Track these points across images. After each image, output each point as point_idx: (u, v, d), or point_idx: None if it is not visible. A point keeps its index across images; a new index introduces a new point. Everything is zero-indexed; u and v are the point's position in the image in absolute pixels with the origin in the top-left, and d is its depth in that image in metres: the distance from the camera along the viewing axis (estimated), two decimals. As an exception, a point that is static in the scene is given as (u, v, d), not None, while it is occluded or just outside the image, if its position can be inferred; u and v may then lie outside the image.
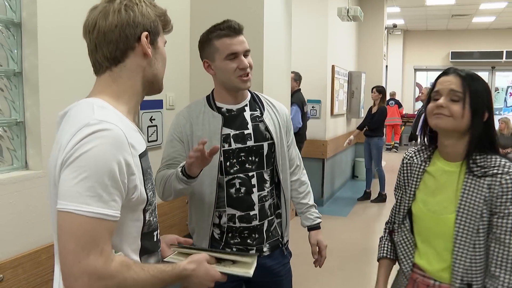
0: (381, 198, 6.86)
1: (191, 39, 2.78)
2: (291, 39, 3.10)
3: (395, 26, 9.25)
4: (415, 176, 1.58)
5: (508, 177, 1.36)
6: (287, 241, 2.06)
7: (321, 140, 6.41)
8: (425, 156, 1.59)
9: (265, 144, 1.88)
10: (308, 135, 6.46)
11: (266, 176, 1.90)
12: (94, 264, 0.96)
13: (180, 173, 1.66)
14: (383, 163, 7.30)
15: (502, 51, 12.88)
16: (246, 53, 1.80)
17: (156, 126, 2.47)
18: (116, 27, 1.10)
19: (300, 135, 5.60)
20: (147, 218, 1.14)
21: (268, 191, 1.91)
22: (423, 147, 1.61)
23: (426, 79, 14.29)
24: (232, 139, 1.84)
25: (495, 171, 1.38)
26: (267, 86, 2.70)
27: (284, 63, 3.03)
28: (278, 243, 1.98)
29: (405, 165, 1.63)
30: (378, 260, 1.73)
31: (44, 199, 1.76)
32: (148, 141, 2.42)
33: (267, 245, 1.92)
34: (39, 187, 1.80)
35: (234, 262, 1.34)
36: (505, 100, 14.41)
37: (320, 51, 6.25)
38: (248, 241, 1.89)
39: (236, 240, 1.89)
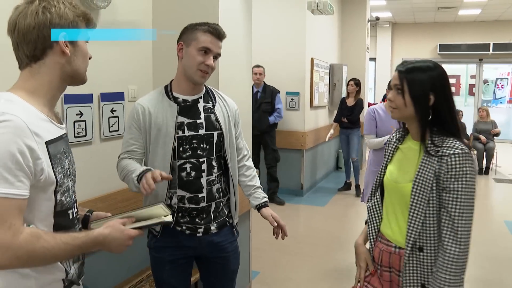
0: (348, 187, 7.13)
1: (153, 41, 2.93)
2: (251, 31, 3.24)
3: (377, 18, 9.38)
4: (390, 152, 1.84)
5: (453, 157, 1.57)
6: (237, 223, 2.25)
7: (300, 132, 6.58)
8: (399, 135, 1.83)
9: (215, 134, 2.08)
10: (287, 127, 6.63)
11: (214, 163, 2.09)
12: (3, 237, 1.09)
13: (136, 181, 1.87)
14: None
15: (489, 44, 12.95)
16: (216, 56, 2.01)
17: (117, 117, 2.64)
18: (34, 29, 1.22)
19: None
20: (58, 198, 1.27)
21: (215, 176, 2.10)
22: (401, 129, 1.85)
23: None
24: (185, 127, 2.02)
25: (445, 151, 1.59)
26: (224, 78, 2.85)
27: (245, 56, 3.18)
28: (225, 222, 2.18)
29: (387, 143, 1.89)
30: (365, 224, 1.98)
31: None
32: (109, 131, 2.59)
33: (215, 224, 2.12)
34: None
35: (149, 218, 1.53)
36: (494, 92, 14.52)
37: (298, 44, 6.40)
38: (197, 220, 2.08)
39: (185, 219, 2.08)
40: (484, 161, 8.86)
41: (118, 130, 2.65)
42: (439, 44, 13.31)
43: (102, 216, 1.54)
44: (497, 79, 14.49)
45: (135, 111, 2.05)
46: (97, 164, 2.53)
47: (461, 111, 9.23)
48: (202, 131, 2.04)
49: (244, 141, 2.31)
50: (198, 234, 2.09)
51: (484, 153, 8.82)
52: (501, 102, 14.36)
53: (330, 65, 7.87)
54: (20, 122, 1.14)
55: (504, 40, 12.85)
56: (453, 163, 1.56)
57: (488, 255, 4.59)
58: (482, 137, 8.83)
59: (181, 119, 2.02)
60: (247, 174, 2.28)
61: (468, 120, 9.53)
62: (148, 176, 1.79)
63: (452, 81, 14.56)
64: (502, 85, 14.42)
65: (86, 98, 2.41)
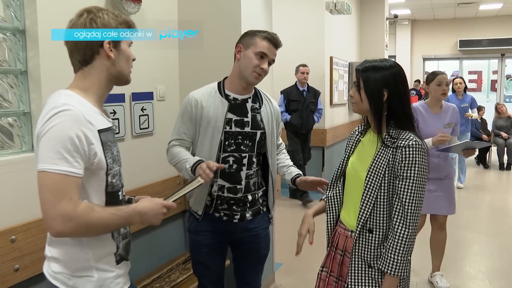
0: None
1: (179, 42, 3.11)
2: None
3: (396, 16, 9.41)
4: (352, 144, 1.95)
5: (407, 149, 1.69)
6: (272, 215, 2.45)
7: (320, 129, 6.69)
8: (362, 129, 1.95)
9: (259, 132, 2.27)
10: (307, 124, 6.70)
11: (254, 159, 2.28)
12: (65, 208, 1.29)
13: (190, 171, 2.10)
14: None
15: (511, 38, 12.81)
16: (270, 62, 2.21)
17: (147, 115, 2.82)
18: (77, 41, 1.44)
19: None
20: (109, 180, 1.46)
21: (254, 170, 2.29)
22: (363, 123, 1.96)
23: (437, 68, 14.31)
24: (233, 123, 2.22)
25: (400, 142, 1.72)
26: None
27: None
28: (259, 210, 2.36)
29: (350, 136, 2.00)
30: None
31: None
32: (140, 129, 2.78)
33: (250, 212, 2.31)
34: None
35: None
36: (516, 87, 14.32)
37: (317, 43, 6.54)
38: (234, 207, 2.28)
39: (223, 206, 2.27)
40: (505, 157, 8.82)
41: (148, 128, 2.83)
42: (460, 40, 13.21)
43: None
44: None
45: (189, 102, 2.24)
46: (129, 160, 2.71)
47: (484, 107, 9.19)
48: (247, 129, 2.24)
49: (280, 137, 2.51)
50: (234, 220, 2.29)
51: (505, 148, 8.78)
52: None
53: (349, 63, 7.96)
54: (77, 111, 1.35)
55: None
56: (407, 153, 1.68)
57: (507, 247, 4.64)
58: (503, 134, 8.80)
59: (230, 115, 2.21)
60: (281, 158, 2.48)
61: (490, 116, 9.46)
62: (204, 166, 1.99)
63: (473, 77, 14.41)
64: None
65: (119, 98, 2.59)
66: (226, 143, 2.21)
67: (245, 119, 2.23)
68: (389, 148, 1.74)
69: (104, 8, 1.51)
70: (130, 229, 1.65)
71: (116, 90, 2.53)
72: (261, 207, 2.37)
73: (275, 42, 2.19)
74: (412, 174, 1.68)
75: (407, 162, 1.68)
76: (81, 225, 1.32)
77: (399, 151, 1.70)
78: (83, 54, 1.45)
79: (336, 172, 1.99)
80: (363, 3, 8.74)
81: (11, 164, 2.03)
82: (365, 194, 1.76)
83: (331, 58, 6.78)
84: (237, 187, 2.25)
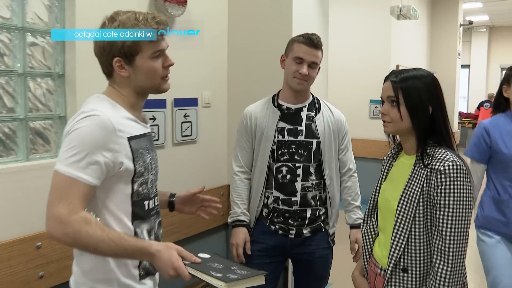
0: None
1: (228, 39, 2.97)
2: (327, 36, 3.18)
3: (470, 23, 8.80)
4: (384, 170, 1.70)
5: (444, 171, 1.41)
6: (333, 233, 2.29)
7: (383, 141, 6.32)
8: (394, 152, 1.70)
9: (314, 142, 2.17)
10: (369, 136, 6.44)
11: (312, 170, 2.18)
12: (60, 211, 1.23)
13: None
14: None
15: None
16: (312, 65, 2.12)
17: (190, 122, 2.69)
18: (97, 54, 1.42)
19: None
20: (135, 188, 1.40)
21: (313, 183, 2.18)
22: (394, 145, 1.72)
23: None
24: (286, 132, 2.17)
25: (435, 163, 1.44)
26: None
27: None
28: (320, 227, 2.23)
29: (383, 160, 1.75)
30: None
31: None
32: (182, 136, 2.66)
33: (308, 228, 2.20)
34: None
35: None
36: None
37: (383, 50, 6.21)
38: (290, 221, 2.18)
39: (279, 219, 2.19)
40: None
41: (190, 135, 2.71)
42: (543, 49, 12.26)
43: (182, 196, 1.76)
44: None
45: (244, 117, 2.28)
46: (169, 168, 2.60)
47: None
48: (301, 138, 2.16)
49: (352, 156, 2.33)
50: (290, 236, 2.18)
51: None
52: None
53: (417, 72, 7.53)
54: (105, 118, 1.31)
55: None
56: (444, 176, 1.40)
57: None
58: None
59: (282, 124, 2.18)
60: (348, 190, 2.31)
61: None
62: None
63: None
64: None
65: (160, 104, 2.49)
66: (279, 152, 2.16)
67: (299, 128, 2.17)
68: (423, 170, 1.47)
69: (139, 11, 1.43)
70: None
71: (158, 95, 2.46)
72: (322, 224, 2.24)
73: (310, 43, 2.09)
74: (451, 202, 1.40)
75: (444, 187, 1.41)
76: (69, 233, 1.24)
77: (434, 174, 1.43)
78: (104, 68, 1.44)
79: (369, 204, 1.73)
80: (435, 9, 8.24)
81: (45, 168, 1.97)
82: (397, 227, 1.50)
83: (397, 66, 6.42)
84: (292, 199, 2.16)
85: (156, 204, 1.53)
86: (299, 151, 2.15)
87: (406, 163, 1.58)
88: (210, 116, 2.88)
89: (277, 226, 2.20)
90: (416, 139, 1.52)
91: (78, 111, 1.36)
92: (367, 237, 1.71)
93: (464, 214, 1.40)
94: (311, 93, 2.27)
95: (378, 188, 1.69)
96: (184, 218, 2.55)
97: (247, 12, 2.91)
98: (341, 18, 6.10)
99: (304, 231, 2.19)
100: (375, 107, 6.39)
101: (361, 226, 1.77)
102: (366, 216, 1.75)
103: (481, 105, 10.94)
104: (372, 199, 1.71)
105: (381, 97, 1.59)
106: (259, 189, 2.21)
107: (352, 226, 2.28)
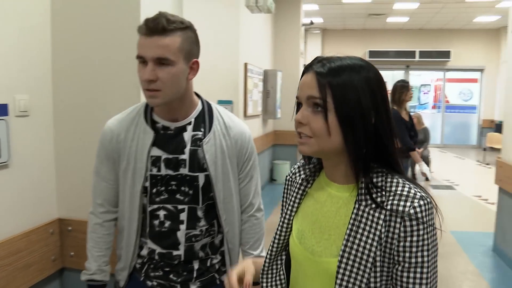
0: None
1: (52, 29, 2.25)
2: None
3: (312, 23, 9.08)
4: (293, 199, 1.13)
5: (414, 216, 0.93)
6: None
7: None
8: (308, 173, 1.13)
9: (201, 176, 1.53)
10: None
11: (200, 213, 1.56)
12: None
13: None
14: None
15: (415, 51, 13.30)
16: (160, 61, 1.39)
17: (-4, 139, 1.93)
18: None
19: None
20: None
21: (201, 230, 1.57)
22: (304, 162, 1.17)
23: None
24: (162, 164, 1.51)
25: (396, 203, 0.95)
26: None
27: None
28: (214, 280, 1.64)
29: (286, 183, 1.21)
30: None
31: None
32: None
33: (198, 283, 1.61)
34: None
35: None
36: (419, 98, 14.93)
37: (231, 47, 5.76)
38: (171, 276, 1.58)
39: (157, 273, 1.59)
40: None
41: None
42: (369, 51, 13.43)
43: None
44: (421, 85, 14.94)
45: (103, 136, 1.58)
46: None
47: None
48: (184, 171, 1.52)
49: (257, 186, 1.70)
50: None
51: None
52: (425, 108, 14.80)
53: (264, 71, 7.40)
54: None
55: (429, 48, 13.21)
56: (415, 224, 0.93)
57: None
58: (418, 150, 8.73)
59: (157, 152, 1.52)
60: (247, 234, 1.70)
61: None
62: None
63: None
64: (428, 91, 14.91)
65: None
66: (154, 190, 1.53)
67: (181, 157, 1.51)
68: (375, 212, 0.96)
69: None
70: None
71: None
72: (217, 275, 1.64)
73: (148, 29, 1.38)
74: (426, 259, 0.94)
75: (417, 238, 0.93)
76: None
77: (398, 220, 0.94)
78: None
79: (273, 245, 1.15)
80: (279, 6, 8.24)
81: None
82: None
83: (245, 64, 6.14)
84: (173, 253, 1.55)
85: None
86: (182, 188, 1.53)
87: (336, 196, 1.05)
88: (28, 129, 2.12)
89: (154, 282, 1.59)
90: (351, 163, 0.99)
91: None
92: None
93: (436, 269, 0.96)
94: (199, 97, 1.61)
95: (286, 224, 1.13)
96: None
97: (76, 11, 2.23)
98: (190, 11, 5.57)
99: (192, 287, 1.60)
100: (224, 108, 6.04)
101: (260, 278, 1.17)
102: (267, 263, 1.16)
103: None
104: (279, 238, 1.14)
105: (296, 97, 1.03)
106: (130, 238, 1.58)
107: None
